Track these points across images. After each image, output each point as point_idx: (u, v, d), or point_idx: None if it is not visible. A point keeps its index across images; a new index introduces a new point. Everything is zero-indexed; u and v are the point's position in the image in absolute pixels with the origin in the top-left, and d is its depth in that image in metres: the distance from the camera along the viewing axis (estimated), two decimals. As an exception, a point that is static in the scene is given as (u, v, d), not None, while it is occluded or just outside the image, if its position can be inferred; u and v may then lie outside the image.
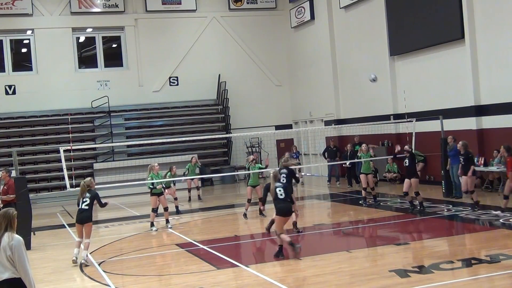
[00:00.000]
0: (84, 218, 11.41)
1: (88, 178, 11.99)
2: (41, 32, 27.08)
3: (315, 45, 27.18)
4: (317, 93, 27.29)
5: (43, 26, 27.09)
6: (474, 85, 18.21)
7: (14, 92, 26.62)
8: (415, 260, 9.80)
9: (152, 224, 14.97)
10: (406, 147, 15.41)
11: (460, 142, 15.02)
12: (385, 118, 21.93)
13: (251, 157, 16.81)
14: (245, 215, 15.62)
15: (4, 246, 5.78)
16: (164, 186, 15.75)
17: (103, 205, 11.87)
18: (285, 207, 10.85)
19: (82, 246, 11.48)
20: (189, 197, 20.94)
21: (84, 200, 11.50)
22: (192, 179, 20.52)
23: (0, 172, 14.89)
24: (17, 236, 5.89)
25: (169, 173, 17.69)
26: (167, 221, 15.30)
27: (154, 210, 14.97)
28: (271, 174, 11.32)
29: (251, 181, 15.94)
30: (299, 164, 16.13)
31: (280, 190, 10.88)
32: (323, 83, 26.61)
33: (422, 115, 19.66)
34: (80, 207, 11.51)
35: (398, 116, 21.58)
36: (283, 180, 12.34)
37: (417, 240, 11.85)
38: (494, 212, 13.65)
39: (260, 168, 16.37)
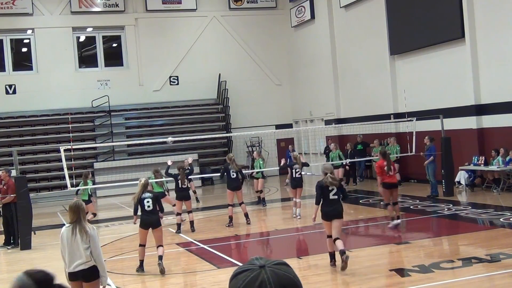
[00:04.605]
0: (239, 186, 14.52)
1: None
2: (42, 31, 27.07)
3: (315, 45, 27.18)
4: (318, 92, 27.29)
5: (44, 26, 27.08)
6: (474, 84, 18.21)
7: (14, 92, 26.62)
8: (415, 259, 9.80)
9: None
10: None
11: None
12: (385, 117, 21.92)
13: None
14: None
15: (81, 236, 6.59)
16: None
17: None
18: (148, 219, 10.09)
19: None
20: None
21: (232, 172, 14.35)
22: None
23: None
24: (90, 225, 6.82)
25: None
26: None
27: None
28: (141, 182, 10.31)
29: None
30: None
31: (148, 202, 10.05)
32: (323, 82, 26.60)
33: (422, 114, 19.66)
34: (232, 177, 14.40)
35: (399, 115, 21.57)
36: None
37: (417, 239, 11.85)
38: (389, 225, 12.81)
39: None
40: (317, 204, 9.90)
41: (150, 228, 10.08)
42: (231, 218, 14.56)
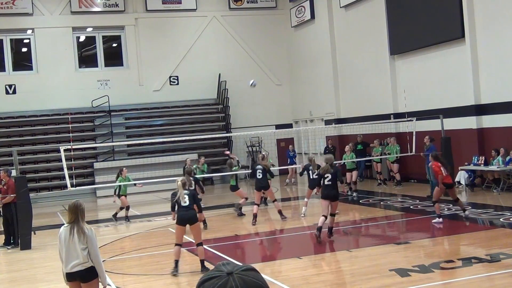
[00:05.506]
0: (265, 186, 14.83)
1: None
2: (42, 31, 27.07)
3: (315, 45, 27.17)
4: (318, 92, 27.29)
5: (44, 26, 27.07)
6: (474, 84, 18.21)
7: (14, 92, 26.62)
8: (415, 259, 9.80)
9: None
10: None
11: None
12: (385, 117, 21.93)
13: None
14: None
15: (78, 236, 6.62)
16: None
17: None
18: (185, 215, 9.95)
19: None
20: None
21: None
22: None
23: (-1, 172, 14.90)
24: (88, 225, 6.83)
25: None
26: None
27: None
28: (178, 182, 10.20)
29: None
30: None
31: (184, 198, 9.99)
32: (323, 82, 26.60)
33: (422, 114, 19.67)
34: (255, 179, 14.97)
35: (399, 115, 21.57)
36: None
37: (417, 239, 11.85)
38: (433, 221, 13.19)
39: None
40: (318, 186, 12.33)
41: (188, 225, 9.97)
42: (255, 215, 14.66)
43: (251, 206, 15.99)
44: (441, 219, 13.07)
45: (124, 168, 16.97)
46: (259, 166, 14.91)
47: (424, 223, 13.67)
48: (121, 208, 16.93)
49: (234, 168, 16.66)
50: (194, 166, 17.88)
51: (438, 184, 13.36)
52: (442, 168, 13.20)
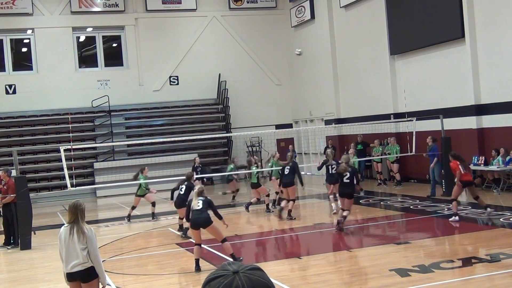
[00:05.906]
0: (289, 183, 15.00)
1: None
2: (41, 31, 27.06)
3: (315, 45, 27.17)
4: (318, 92, 27.29)
5: (43, 26, 27.07)
6: (474, 84, 18.21)
7: (14, 92, 26.61)
8: (415, 259, 9.80)
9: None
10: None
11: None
12: (385, 117, 21.93)
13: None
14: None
15: (78, 236, 6.63)
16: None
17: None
18: (198, 219, 10.14)
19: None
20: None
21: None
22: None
23: (-1, 172, 14.90)
24: (88, 226, 6.84)
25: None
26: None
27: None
28: (195, 190, 10.59)
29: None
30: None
31: (198, 202, 10.19)
32: (323, 82, 26.60)
33: (422, 114, 19.67)
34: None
35: (399, 115, 21.57)
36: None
37: (417, 239, 11.85)
38: (450, 219, 13.23)
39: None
40: (336, 183, 13.51)
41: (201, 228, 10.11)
42: (289, 211, 14.87)
43: (257, 206, 15.98)
44: (457, 217, 13.07)
45: (146, 167, 16.83)
46: (289, 163, 15.32)
47: (424, 223, 13.67)
48: (154, 205, 16.66)
49: (253, 167, 16.96)
50: (232, 165, 19.33)
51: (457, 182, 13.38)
52: (460, 166, 13.18)
